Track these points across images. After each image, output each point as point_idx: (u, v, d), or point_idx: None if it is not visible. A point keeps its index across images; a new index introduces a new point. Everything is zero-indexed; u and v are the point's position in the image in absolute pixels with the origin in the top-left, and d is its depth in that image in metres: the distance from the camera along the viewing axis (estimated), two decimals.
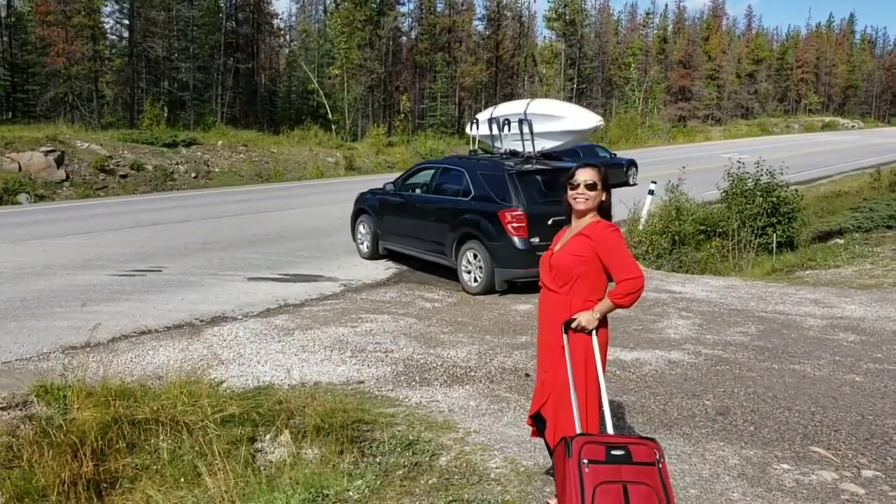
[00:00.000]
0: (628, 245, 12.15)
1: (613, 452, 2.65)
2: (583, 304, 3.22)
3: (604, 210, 3.34)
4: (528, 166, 8.84)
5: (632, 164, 22.80)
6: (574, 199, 3.30)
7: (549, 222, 7.95)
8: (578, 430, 3.03)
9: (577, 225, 3.34)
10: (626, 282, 3.10)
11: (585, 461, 2.63)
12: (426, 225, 9.67)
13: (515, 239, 8.40)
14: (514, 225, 8.40)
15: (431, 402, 5.18)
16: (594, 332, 3.20)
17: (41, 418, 5.07)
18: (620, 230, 3.30)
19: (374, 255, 10.74)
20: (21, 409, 5.31)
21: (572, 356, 3.18)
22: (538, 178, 8.80)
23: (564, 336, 3.20)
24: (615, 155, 23.99)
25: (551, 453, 3.30)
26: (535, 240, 8.37)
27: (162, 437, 4.71)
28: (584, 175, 3.30)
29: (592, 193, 3.27)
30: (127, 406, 4.93)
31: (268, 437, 4.69)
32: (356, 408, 4.90)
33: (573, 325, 3.19)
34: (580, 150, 19.01)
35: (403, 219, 10.14)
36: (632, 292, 3.10)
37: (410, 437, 4.39)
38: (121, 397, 5.09)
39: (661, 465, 2.67)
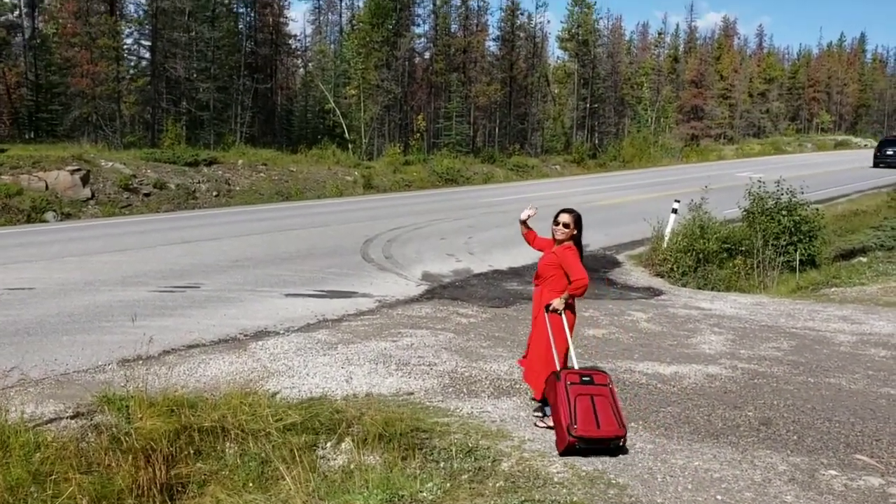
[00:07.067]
0: (653, 262, 12.30)
1: (584, 378, 4.58)
2: (551, 294, 5.01)
3: (576, 240, 5.09)
4: None
5: None
6: (554, 232, 5.12)
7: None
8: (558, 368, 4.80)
9: (555, 247, 5.11)
10: (576, 280, 4.87)
11: (568, 383, 4.52)
12: None
13: None
14: None
15: (482, 413, 5.37)
16: (563, 312, 4.95)
17: (108, 427, 5.30)
18: (575, 249, 5.04)
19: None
20: (87, 419, 5.54)
21: (552, 328, 4.95)
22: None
23: (546, 315, 4.98)
24: None
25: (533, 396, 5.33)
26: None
27: (228, 445, 4.93)
28: (562, 218, 5.08)
29: (566, 230, 5.06)
30: (191, 415, 5.15)
31: (329, 444, 4.90)
32: (411, 417, 5.11)
33: (550, 308, 4.94)
34: None
35: None
36: (580, 287, 4.86)
37: (469, 445, 4.59)
38: (183, 407, 5.31)
39: (611, 387, 4.60)
